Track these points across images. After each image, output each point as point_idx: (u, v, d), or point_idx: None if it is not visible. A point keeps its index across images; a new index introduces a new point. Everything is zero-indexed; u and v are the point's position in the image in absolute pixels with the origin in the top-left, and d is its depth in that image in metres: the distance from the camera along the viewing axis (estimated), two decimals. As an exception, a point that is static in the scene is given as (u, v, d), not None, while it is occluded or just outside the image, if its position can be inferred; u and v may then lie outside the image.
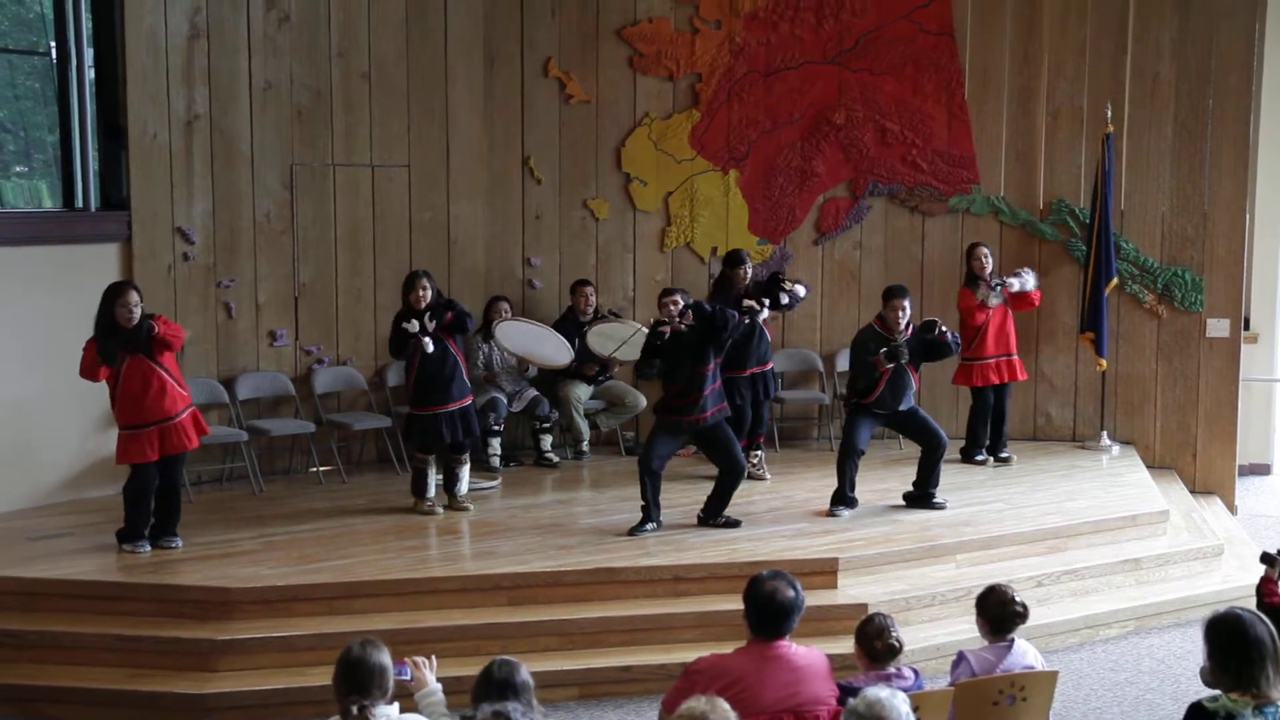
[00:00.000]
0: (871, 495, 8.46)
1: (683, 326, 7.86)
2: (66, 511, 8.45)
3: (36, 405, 8.48)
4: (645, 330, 8.98)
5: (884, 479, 8.88)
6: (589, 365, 9.73)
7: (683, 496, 8.38)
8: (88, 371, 7.44)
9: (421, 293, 8.12)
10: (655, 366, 7.98)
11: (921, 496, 8.44)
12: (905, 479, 8.60)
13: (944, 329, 8.35)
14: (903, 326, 8.25)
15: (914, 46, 10.27)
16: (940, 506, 8.41)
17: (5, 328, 8.39)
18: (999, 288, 9.56)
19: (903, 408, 8.32)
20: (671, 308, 8.00)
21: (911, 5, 10.23)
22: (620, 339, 9.34)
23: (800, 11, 10.27)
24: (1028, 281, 9.71)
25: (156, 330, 7.35)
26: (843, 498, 8.28)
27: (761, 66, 10.32)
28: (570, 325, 9.80)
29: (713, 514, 8.02)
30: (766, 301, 8.89)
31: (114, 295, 7.41)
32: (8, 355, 8.39)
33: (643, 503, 7.88)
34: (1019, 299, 9.75)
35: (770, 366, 9.27)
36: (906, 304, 8.29)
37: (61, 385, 8.30)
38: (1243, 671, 4.00)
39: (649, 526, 7.86)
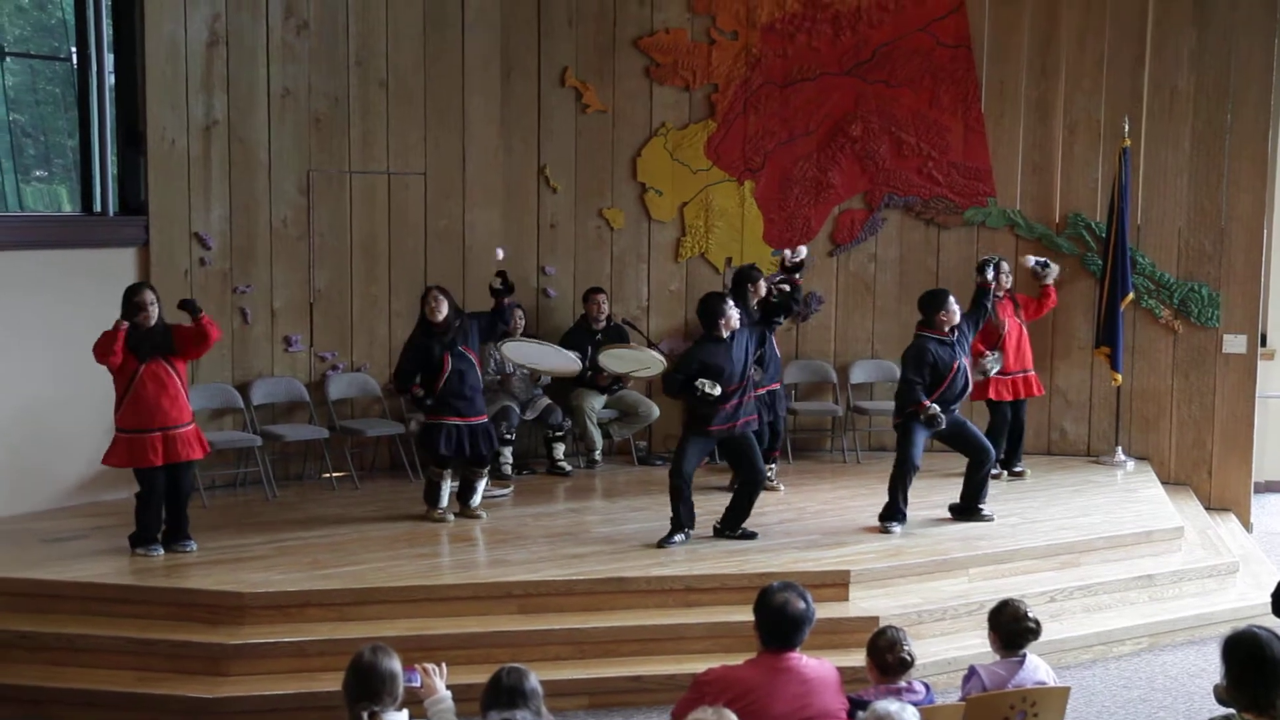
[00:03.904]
0: (879, 508, 8.42)
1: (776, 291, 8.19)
2: (81, 514, 8.48)
3: (53, 408, 8.51)
4: (662, 361, 8.91)
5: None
6: (601, 375, 9.72)
7: (697, 506, 8.36)
8: (104, 351, 7.34)
9: (435, 304, 8.14)
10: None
11: (968, 509, 8.48)
12: (917, 491, 8.55)
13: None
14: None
15: (931, 59, 10.27)
16: (988, 519, 8.43)
17: (23, 331, 8.43)
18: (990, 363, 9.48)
19: (955, 409, 8.32)
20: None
21: (928, 18, 10.23)
22: (637, 363, 9.15)
23: (817, 23, 10.26)
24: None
25: (202, 315, 7.44)
26: (895, 512, 8.26)
27: (778, 78, 10.32)
28: (583, 333, 9.81)
29: (731, 526, 8.01)
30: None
31: (131, 295, 7.45)
32: (25, 358, 8.43)
33: (673, 514, 7.86)
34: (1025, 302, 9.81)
35: (780, 386, 9.28)
36: (955, 306, 8.33)
37: (78, 388, 8.34)
38: (1259, 691, 3.98)
39: (678, 538, 7.85)
